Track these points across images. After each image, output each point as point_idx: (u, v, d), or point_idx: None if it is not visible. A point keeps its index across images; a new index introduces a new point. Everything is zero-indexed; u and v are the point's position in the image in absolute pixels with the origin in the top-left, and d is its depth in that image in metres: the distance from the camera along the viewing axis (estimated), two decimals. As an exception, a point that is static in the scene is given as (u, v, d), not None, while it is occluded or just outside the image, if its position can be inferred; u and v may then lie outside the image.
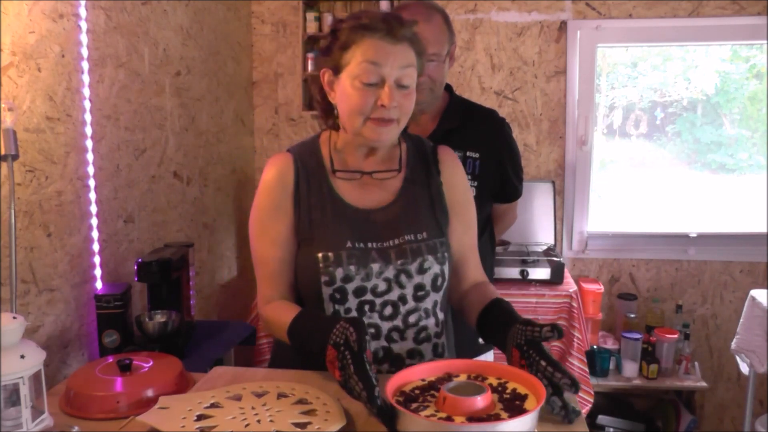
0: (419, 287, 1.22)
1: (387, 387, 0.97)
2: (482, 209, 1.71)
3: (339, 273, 1.19)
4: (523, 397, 0.98)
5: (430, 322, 1.25)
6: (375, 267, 1.20)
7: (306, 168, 1.26)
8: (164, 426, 0.98)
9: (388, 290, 1.21)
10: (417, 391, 1.01)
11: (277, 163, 1.27)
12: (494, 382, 1.03)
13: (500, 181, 1.71)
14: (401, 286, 1.21)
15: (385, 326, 1.22)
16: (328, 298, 1.20)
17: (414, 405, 0.96)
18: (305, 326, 1.13)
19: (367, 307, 1.21)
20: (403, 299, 1.22)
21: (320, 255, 1.20)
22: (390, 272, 1.20)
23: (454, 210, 1.31)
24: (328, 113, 1.26)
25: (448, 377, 1.05)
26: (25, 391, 0.96)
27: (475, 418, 0.91)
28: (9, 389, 0.95)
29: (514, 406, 0.95)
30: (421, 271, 1.22)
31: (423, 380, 1.04)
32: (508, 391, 1.00)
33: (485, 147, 1.68)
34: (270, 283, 1.25)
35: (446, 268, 1.25)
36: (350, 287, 1.20)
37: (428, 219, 1.27)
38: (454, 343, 1.38)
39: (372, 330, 1.21)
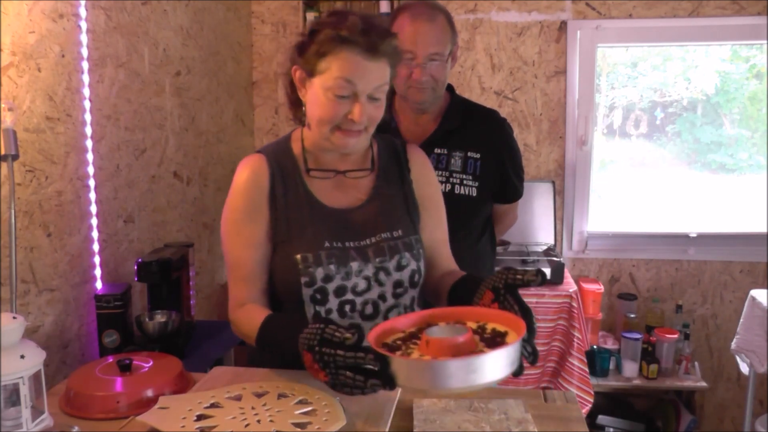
0: (398, 284, 1.23)
1: (368, 339, 0.97)
2: (483, 209, 1.71)
3: (319, 273, 1.18)
4: (503, 334, 0.99)
5: None
6: (354, 265, 1.20)
7: (280, 168, 1.26)
8: (164, 426, 0.98)
9: (368, 288, 1.21)
10: (399, 342, 1.02)
11: (250, 163, 1.26)
12: (473, 325, 1.04)
13: (501, 181, 1.71)
14: (380, 284, 1.22)
15: (367, 326, 1.21)
16: (308, 300, 1.20)
17: (398, 353, 0.97)
18: (273, 336, 1.11)
19: (348, 308, 1.21)
20: (382, 297, 1.23)
21: (299, 256, 1.19)
22: (369, 270, 1.21)
23: (424, 206, 1.32)
24: (296, 107, 1.26)
25: (428, 326, 1.05)
26: (25, 391, 0.96)
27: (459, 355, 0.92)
28: (9, 389, 0.95)
29: (496, 343, 0.96)
30: (399, 268, 1.23)
31: (404, 332, 1.05)
32: (488, 331, 1.02)
33: (486, 147, 1.68)
34: (243, 286, 1.23)
35: (422, 264, 1.26)
36: (331, 287, 1.19)
37: (402, 217, 1.28)
38: None
39: None
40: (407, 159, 1.34)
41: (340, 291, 1.20)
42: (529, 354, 0.97)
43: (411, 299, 1.26)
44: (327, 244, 1.20)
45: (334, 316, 1.20)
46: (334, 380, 0.96)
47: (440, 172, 1.65)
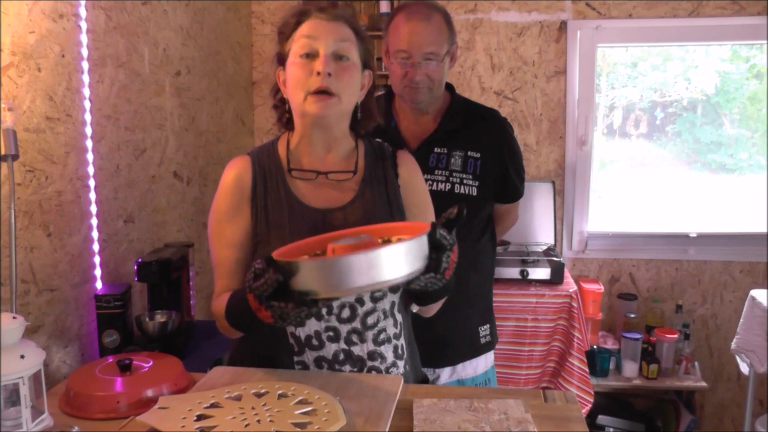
0: None
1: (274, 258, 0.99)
2: (483, 209, 1.71)
3: None
4: None
5: (389, 323, 1.25)
6: None
7: (263, 169, 1.29)
8: (164, 426, 0.98)
9: None
10: (305, 258, 1.04)
11: (235, 165, 1.30)
12: (379, 240, 1.07)
13: (501, 181, 1.71)
14: None
15: (344, 329, 1.22)
16: None
17: None
18: (236, 303, 1.13)
19: (324, 310, 1.21)
20: (360, 300, 1.22)
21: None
22: None
23: (412, 212, 1.32)
24: (281, 111, 1.31)
25: None
26: (25, 391, 0.96)
27: None
28: (9, 389, 0.95)
29: None
30: None
31: (309, 255, 1.08)
32: (393, 241, 1.05)
33: (487, 147, 1.67)
34: (223, 282, 1.29)
35: None
36: None
37: (384, 220, 1.27)
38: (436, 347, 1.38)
39: (331, 333, 1.21)
40: (396, 164, 1.34)
41: None
42: (443, 237, 1.00)
43: (391, 304, 1.25)
44: None
45: (311, 318, 1.21)
46: (280, 317, 0.99)
47: (440, 172, 1.64)
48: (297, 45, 1.21)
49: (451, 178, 1.64)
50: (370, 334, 1.23)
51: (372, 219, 1.26)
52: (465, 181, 1.65)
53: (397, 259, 0.92)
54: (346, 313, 1.22)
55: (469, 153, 1.66)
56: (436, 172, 1.64)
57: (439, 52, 1.58)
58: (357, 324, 1.22)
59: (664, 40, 3.04)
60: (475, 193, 1.65)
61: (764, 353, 2.36)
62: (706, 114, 3.17)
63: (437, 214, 1.39)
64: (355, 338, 1.22)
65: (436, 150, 1.66)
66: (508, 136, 1.73)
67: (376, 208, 1.28)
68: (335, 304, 1.21)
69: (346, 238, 1.04)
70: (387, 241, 1.06)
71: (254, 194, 1.27)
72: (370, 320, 1.23)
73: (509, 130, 1.74)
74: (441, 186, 1.63)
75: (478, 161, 1.66)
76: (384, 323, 1.24)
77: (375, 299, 1.23)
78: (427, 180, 1.57)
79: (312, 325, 1.21)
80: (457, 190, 1.64)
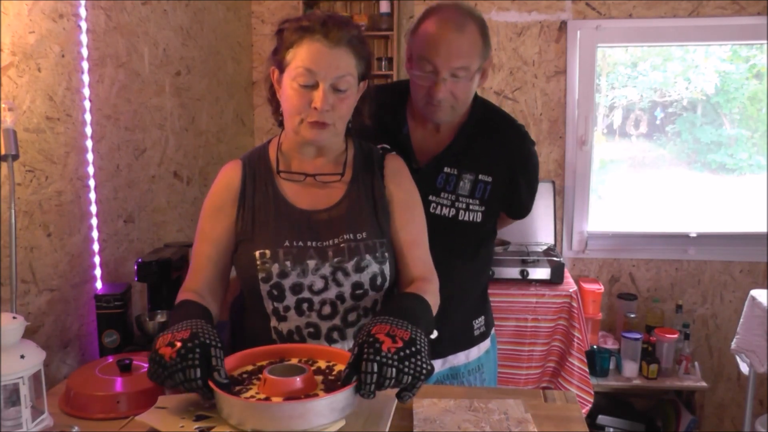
0: (357, 286, 1.23)
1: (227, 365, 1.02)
2: (486, 234, 1.63)
3: (275, 269, 1.21)
4: None
5: None
6: (311, 264, 1.22)
7: (253, 171, 1.31)
8: (163, 426, 0.98)
9: (326, 288, 1.22)
10: (245, 375, 1.06)
11: (226, 169, 1.33)
12: (323, 365, 1.09)
13: (509, 202, 1.62)
14: (339, 284, 1.22)
15: (324, 326, 1.23)
16: (266, 295, 1.23)
17: (238, 388, 1.01)
18: (172, 318, 1.16)
19: (305, 306, 1.22)
20: (341, 298, 1.23)
21: (257, 253, 1.22)
22: (326, 269, 1.22)
23: (394, 208, 1.31)
24: (276, 109, 1.31)
25: (281, 361, 1.10)
26: (25, 391, 0.96)
27: (292, 397, 0.96)
28: (9, 389, 0.95)
29: (335, 387, 1.00)
30: (359, 269, 1.23)
31: (254, 365, 1.10)
32: (334, 372, 1.06)
33: (500, 169, 1.55)
34: (192, 274, 1.30)
35: (386, 267, 1.25)
36: (287, 283, 1.21)
37: (369, 220, 1.27)
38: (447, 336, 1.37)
39: (311, 329, 1.23)
40: (383, 166, 1.34)
41: (296, 288, 1.22)
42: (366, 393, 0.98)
43: (373, 302, 1.26)
44: (287, 243, 1.23)
45: (292, 313, 1.23)
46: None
47: (446, 195, 1.54)
48: (296, 71, 1.18)
49: (456, 204, 1.54)
50: (350, 332, 1.25)
51: (355, 219, 1.27)
52: (471, 207, 1.55)
53: (319, 412, 0.93)
54: (326, 310, 1.23)
55: (480, 177, 1.54)
56: (442, 194, 1.53)
57: (470, 67, 1.40)
58: (338, 321, 1.24)
59: (664, 40, 3.04)
60: (479, 219, 1.55)
61: (764, 353, 2.36)
62: (706, 114, 3.17)
63: (441, 240, 1.37)
64: (335, 335, 1.24)
65: (445, 170, 1.54)
66: (524, 156, 1.59)
67: (361, 209, 1.28)
68: (316, 299, 1.22)
69: (285, 365, 1.06)
70: (329, 369, 1.07)
71: (243, 196, 1.29)
72: (351, 317, 1.24)
73: (528, 148, 1.59)
74: (445, 211, 1.54)
75: (488, 185, 1.54)
76: (366, 321, 1.25)
77: (356, 297, 1.24)
78: (431, 202, 1.51)
79: (294, 321, 1.23)
80: (461, 217, 1.54)
